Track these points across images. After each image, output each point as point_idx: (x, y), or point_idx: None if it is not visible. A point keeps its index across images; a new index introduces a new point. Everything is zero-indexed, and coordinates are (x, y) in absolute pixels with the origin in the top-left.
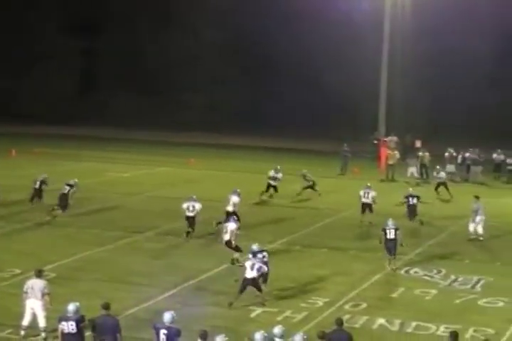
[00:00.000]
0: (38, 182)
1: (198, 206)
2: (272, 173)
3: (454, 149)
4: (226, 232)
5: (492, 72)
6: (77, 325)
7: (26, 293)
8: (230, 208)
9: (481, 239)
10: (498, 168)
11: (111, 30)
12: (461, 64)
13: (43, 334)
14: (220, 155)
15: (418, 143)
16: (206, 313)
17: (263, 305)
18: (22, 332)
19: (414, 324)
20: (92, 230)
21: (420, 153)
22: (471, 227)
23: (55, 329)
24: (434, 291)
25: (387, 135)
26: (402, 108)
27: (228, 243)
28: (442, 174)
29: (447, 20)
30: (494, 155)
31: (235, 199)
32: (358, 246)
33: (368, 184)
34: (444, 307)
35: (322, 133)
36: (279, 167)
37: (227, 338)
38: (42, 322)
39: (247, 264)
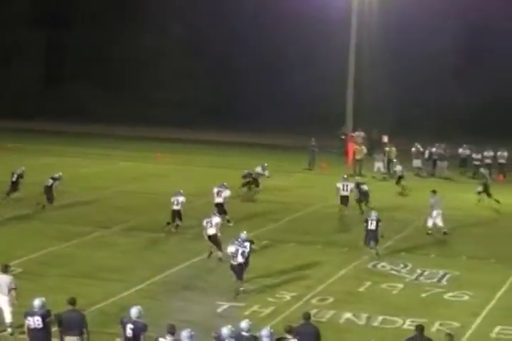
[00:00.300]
0: (16, 175)
1: (181, 199)
2: (259, 170)
3: (421, 144)
4: (211, 226)
5: (457, 67)
6: (43, 320)
7: None
8: (220, 200)
9: (445, 230)
10: (464, 163)
11: (78, 24)
12: (426, 59)
13: (10, 330)
14: (188, 150)
15: (385, 138)
16: (174, 308)
17: (236, 295)
18: None
19: (380, 318)
20: (60, 225)
21: (387, 148)
22: (430, 222)
23: (22, 325)
24: (400, 285)
25: (354, 130)
26: (369, 103)
27: (214, 237)
28: (398, 168)
29: (412, 16)
30: (460, 150)
31: (226, 193)
32: (326, 240)
33: (345, 175)
34: (410, 301)
35: (290, 128)
36: (266, 164)
37: (193, 332)
38: (8, 318)
39: (231, 250)
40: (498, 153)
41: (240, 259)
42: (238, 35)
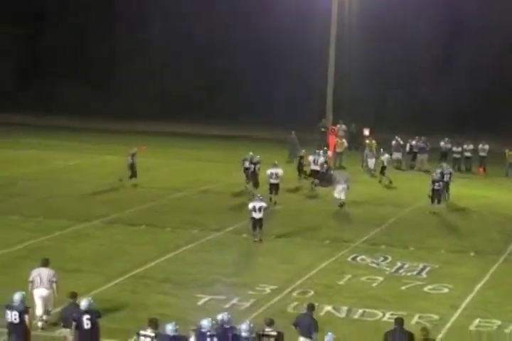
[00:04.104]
0: None
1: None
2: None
3: (401, 137)
4: (276, 177)
5: (439, 60)
6: (20, 316)
7: None
8: (317, 167)
9: (343, 202)
10: (444, 156)
11: (56, 17)
12: (408, 52)
13: (39, 324)
14: (172, 144)
15: (366, 132)
16: (153, 301)
17: (260, 240)
18: None
19: (360, 311)
20: (39, 218)
21: (367, 141)
22: (337, 194)
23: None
24: (380, 278)
25: (334, 123)
26: (349, 96)
27: (277, 185)
28: (385, 157)
29: (394, 12)
30: (441, 143)
31: (321, 159)
32: (305, 233)
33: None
34: (390, 294)
35: (270, 120)
36: (251, 153)
37: (177, 326)
38: (40, 311)
39: (251, 206)
40: (480, 146)
41: (261, 215)
42: (219, 29)
